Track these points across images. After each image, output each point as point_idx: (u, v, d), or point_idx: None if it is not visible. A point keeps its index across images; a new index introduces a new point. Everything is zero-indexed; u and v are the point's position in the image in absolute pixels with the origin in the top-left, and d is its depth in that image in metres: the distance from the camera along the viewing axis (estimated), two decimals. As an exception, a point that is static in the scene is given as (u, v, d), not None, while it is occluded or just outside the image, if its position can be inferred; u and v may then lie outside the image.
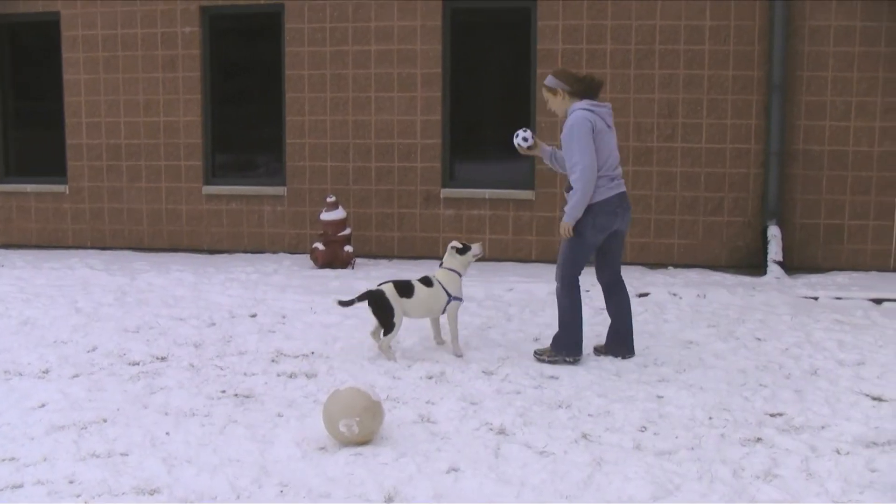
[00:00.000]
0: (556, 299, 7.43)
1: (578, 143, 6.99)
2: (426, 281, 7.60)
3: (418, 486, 4.98)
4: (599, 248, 7.32)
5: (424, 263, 11.45)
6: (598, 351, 7.59)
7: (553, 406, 6.26)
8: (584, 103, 7.12)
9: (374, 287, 7.58)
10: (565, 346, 7.28)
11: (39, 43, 13.40)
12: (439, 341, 7.82)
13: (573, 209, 7.03)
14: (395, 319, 7.37)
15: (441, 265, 7.72)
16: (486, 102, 12.09)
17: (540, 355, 7.35)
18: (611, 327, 7.55)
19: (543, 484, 4.96)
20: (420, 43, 11.72)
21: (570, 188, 7.13)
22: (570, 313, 7.28)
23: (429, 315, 7.67)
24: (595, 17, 11.32)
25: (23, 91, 13.79)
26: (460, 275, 7.67)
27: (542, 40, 11.42)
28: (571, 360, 7.27)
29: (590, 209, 7.07)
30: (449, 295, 7.55)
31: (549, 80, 7.28)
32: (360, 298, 7.46)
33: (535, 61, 11.51)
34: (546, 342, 7.73)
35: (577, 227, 7.12)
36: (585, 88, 7.19)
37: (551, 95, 7.31)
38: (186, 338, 8.20)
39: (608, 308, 7.56)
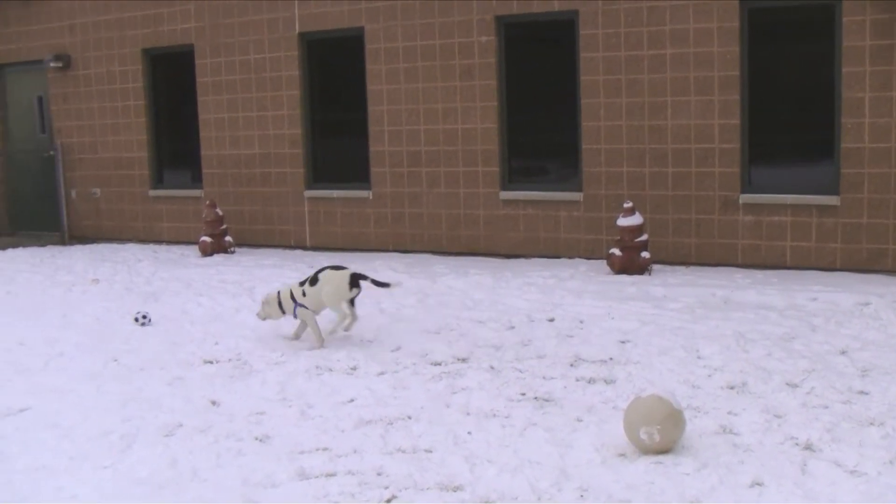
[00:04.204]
0: None
1: None
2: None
3: (720, 498, 4.91)
4: None
5: (722, 271, 11.21)
6: None
7: (864, 423, 5.97)
8: None
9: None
10: None
11: (344, 57, 14.11)
12: None
13: None
14: None
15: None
16: (787, 105, 11.65)
17: None
18: None
19: (855, 504, 4.77)
20: (717, 45, 11.47)
21: None
22: None
23: None
24: (908, 11, 10.69)
25: (329, 103, 14.57)
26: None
27: (848, 37, 10.90)
28: None
29: None
30: None
31: None
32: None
33: (839, 60, 10.99)
34: (855, 355, 7.41)
35: None
36: None
37: None
38: (486, 340, 8.40)
39: None
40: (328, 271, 8.63)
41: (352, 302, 8.55)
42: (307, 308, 8.58)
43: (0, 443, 6.35)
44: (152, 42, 15.63)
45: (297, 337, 8.78)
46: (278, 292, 8.76)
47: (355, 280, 8.45)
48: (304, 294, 8.57)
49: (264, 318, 8.88)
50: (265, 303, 8.80)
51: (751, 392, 6.68)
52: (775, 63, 11.56)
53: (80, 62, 16.49)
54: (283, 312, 8.70)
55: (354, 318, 8.59)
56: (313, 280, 8.59)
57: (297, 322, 8.78)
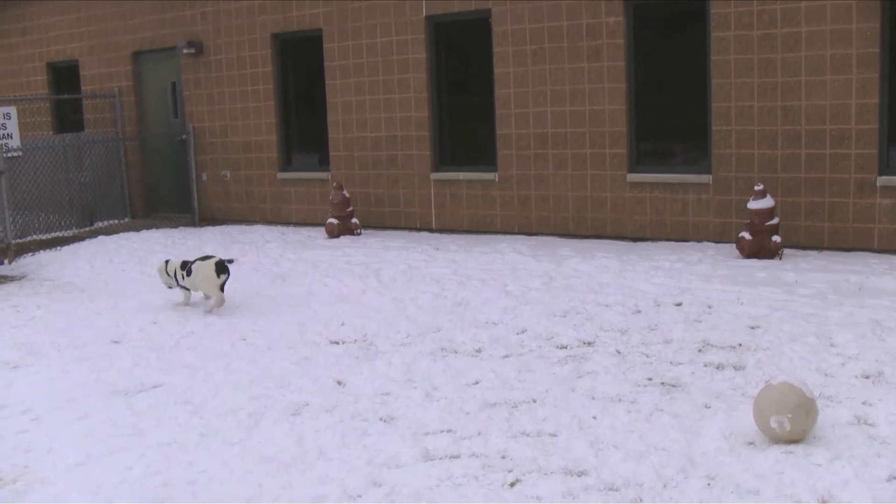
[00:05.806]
0: None
1: None
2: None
3: (854, 492, 4.76)
4: None
5: (857, 256, 10.85)
6: None
7: None
8: None
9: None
10: None
11: (470, 39, 14.08)
12: None
13: None
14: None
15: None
16: (930, 83, 11.22)
17: None
18: None
19: None
20: (856, 22, 11.09)
21: None
22: None
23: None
24: None
25: (455, 86, 14.58)
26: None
27: None
28: None
29: None
30: None
31: None
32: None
33: None
34: None
35: None
36: None
37: None
38: (612, 324, 8.31)
39: None
40: (198, 262, 9.88)
41: (221, 287, 9.80)
42: (188, 288, 10.04)
43: (134, 418, 6.55)
44: (281, 27, 15.87)
45: (185, 304, 10.18)
46: (166, 262, 10.24)
47: (221, 267, 9.74)
48: (183, 277, 9.93)
49: (168, 287, 10.30)
50: (159, 272, 10.28)
51: (888, 382, 6.45)
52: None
53: (211, 48, 16.87)
54: (176, 282, 10.09)
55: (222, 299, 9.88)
56: (188, 271, 9.87)
57: (182, 293, 10.16)
